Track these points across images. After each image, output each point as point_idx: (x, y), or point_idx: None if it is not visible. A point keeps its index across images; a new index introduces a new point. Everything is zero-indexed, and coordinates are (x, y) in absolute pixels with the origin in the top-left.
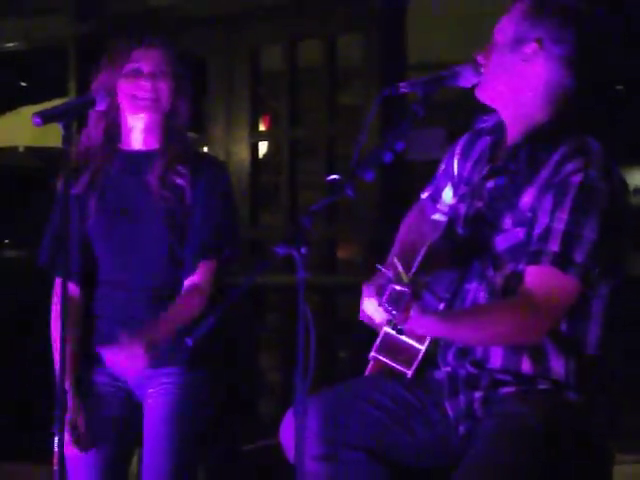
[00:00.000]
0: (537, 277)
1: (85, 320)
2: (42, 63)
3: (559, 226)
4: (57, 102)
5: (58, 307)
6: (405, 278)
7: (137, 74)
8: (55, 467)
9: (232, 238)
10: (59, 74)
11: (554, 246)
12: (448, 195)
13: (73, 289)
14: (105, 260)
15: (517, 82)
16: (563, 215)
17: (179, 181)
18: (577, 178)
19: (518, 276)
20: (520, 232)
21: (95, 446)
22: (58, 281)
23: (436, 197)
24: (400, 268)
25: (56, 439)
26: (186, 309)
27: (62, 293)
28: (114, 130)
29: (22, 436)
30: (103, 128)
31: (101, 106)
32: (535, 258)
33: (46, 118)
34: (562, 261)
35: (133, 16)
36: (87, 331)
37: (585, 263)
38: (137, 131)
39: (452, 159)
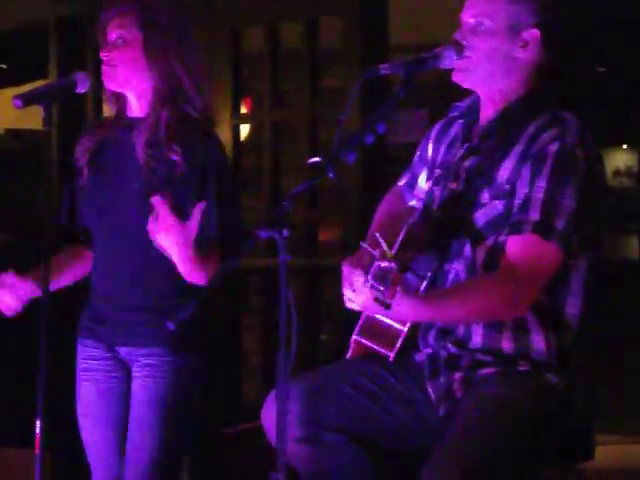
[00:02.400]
0: (519, 246)
1: (82, 295)
2: (23, 45)
3: (538, 195)
4: (38, 84)
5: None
6: (389, 254)
7: (104, 45)
8: (37, 451)
9: (236, 227)
10: (40, 56)
11: (534, 214)
12: (423, 180)
13: (86, 252)
14: (92, 227)
15: (507, 66)
16: (542, 184)
17: (172, 156)
18: (554, 147)
19: (499, 248)
20: (499, 204)
21: (101, 420)
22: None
23: (412, 184)
24: (383, 245)
25: (38, 423)
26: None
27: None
28: (122, 99)
29: (4, 420)
30: (113, 100)
31: (81, 89)
32: (516, 228)
33: (26, 100)
34: (543, 228)
35: None
36: (81, 306)
37: (566, 230)
38: (131, 99)
39: (427, 145)
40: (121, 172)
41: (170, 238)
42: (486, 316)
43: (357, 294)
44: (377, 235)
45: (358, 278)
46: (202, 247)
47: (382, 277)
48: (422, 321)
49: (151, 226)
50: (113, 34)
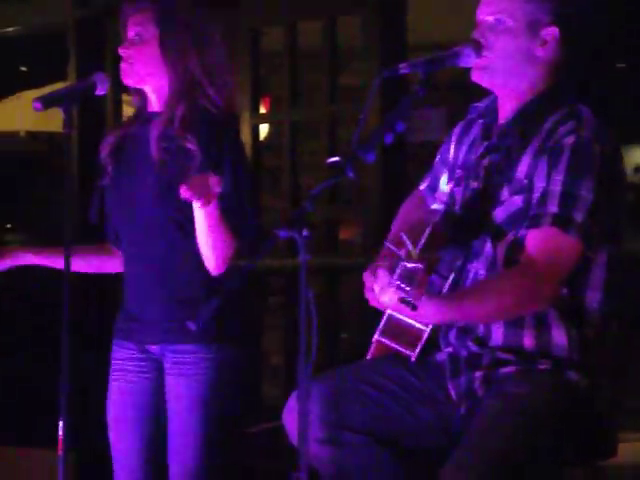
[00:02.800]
0: (538, 240)
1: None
2: (42, 47)
3: (556, 188)
4: (58, 86)
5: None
6: (415, 255)
7: (122, 41)
8: (60, 453)
9: (251, 213)
10: (59, 58)
11: (553, 207)
12: (444, 182)
13: (117, 252)
14: (117, 224)
15: (526, 65)
16: (559, 177)
17: (188, 146)
18: (570, 140)
19: (519, 243)
20: (518, 199)
21: (131, 421)
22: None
23: (434, 187)
24: (409, 245)
25: (61, 424)
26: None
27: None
28: (145, 95)
29: (28, 421)
30: (138, 96)
31: (101, 90)
32: (535, 221)
33: (46, 103)
34: (562, 221)
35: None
36: (117, 307)
37: (585, 222)
38: (149, 94)
39: (448, 146)
40: (139, 167)
41: (196, 190)
42: (508, 312)
43: (382, 293)
44: (403, 235)
45: (383, 278)
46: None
47: (408, 277)
48: (452, 322)
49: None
50: (131, 31)
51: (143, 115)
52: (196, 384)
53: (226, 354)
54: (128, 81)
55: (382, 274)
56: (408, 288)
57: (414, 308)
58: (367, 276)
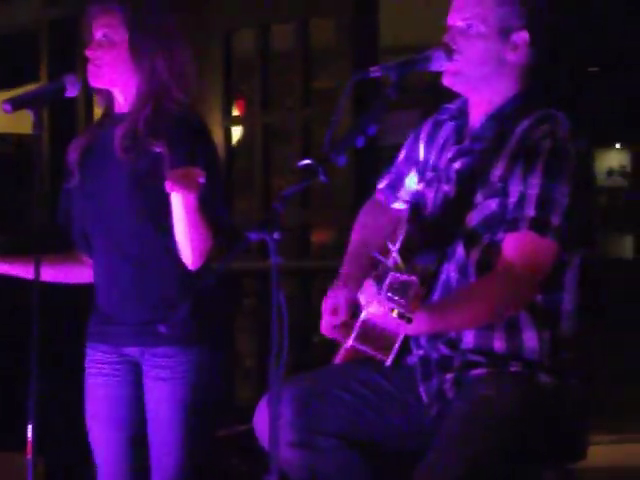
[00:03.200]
0: (516, 243)
1: (88, 295)
2: (13, 48)
3: (533, 191)
4: (29, 87)
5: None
6: (402, 266)
7: (87, 44)
8: (28, 456)
9: (224, 211)
10: (31, 59)
11: (530, 211)
12: (412, 181)
13: (82, 257)
14: (88, 225)
15: (498, 69)
16: (535, 180)
17: (157, 149)
18: (546, 143)
19: (495, 247)
20: (492, 203)
21: (110, 424)
22: None
23: (397, 185)
24: (396, 254)
25: (30, 428)
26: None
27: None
28: (111, 96)
29: None
30: (103, 97)
31: (71, 92)
32: (513, 225)
33: (16, 104)
34: (539, 225)
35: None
36: (89, 307)
37: (561, 225)
38: (117, 95)
39: (417, 144)
40: (108, 168)
41: (181, 181)
42: (494, 316)
43: (369, 304)
44: (389, 244)
45: (371, 287)
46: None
47: (400, 289)
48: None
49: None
50: (99, 32)
51: (110, 116)
52: (174, 387)
53: (203, 356)
54: (95, 83)
55: (370, 284)
56: (402, 301)
57: (409, 321)
58: (326, 311)
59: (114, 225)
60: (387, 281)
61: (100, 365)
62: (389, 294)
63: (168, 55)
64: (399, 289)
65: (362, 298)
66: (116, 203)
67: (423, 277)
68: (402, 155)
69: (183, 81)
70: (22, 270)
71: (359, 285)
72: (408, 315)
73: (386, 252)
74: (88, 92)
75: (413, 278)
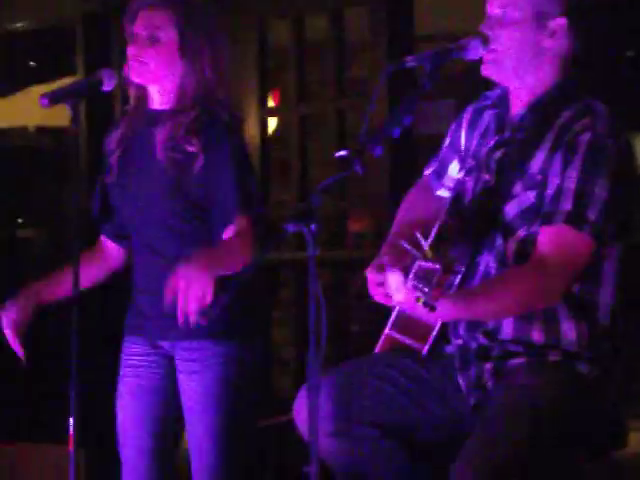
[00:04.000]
0: (551, 237)
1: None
2: (50, 42)
3: (571, 185)
4: (66, 80)
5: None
6: (430, 254)
7: (133, 38)
8: (70, 449)
9: (258, 198)
10: (68, 53)
11: (567, 205)
12: (455, 169)
13: (111, 246)
14: (126, 225)
15: (536, 57)
16: (574, 173)
17: (191, 149)
18: (585, 136)
19: (531, 239)
20: (531, 195)
21: (139, 415)
22: (101, 242)
23: (441, 172)
24: (425, 245)
25: (71, 421)
26: (234, 246)
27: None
28: (144, 90)
29: (39, 416)
30: (135, 92)
31: (108, 86)
32: (549, 218)
33: (53, 99)
34: (576, 219)
35: None
36: (127, 303)
37: (598, 221)
38: (153, 92)
39: (459, 132)
40: (146, 165)
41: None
42: (521, 308)
43: (396, 292)
44: (417, 234)
45: (398, 277)
46: (229, 214)
47: (425, 277)
48: (458, 319)
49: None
50: (146, 30)
51: (145, 112)
52: (207, 381)
53: (235, 350)
54: (138, 79)
55: (397, 273)
56: (426, 289)
57: (433, 309)
58: (371, 272)
59: (148, 222)
60: (413, 270)
61: (136, 357)
62: (414, 282)
63: (214, 56)
64: (423, 277)
65: (391, 286)
66: (155, 200)
67: (447, 265)
68: (447, 142)
69: (225, 81)
70: (62, 287)
71: (401, 257)
72: (431, 303)
73: (415, 241)
74: (124, 86)
75: (437, 266)
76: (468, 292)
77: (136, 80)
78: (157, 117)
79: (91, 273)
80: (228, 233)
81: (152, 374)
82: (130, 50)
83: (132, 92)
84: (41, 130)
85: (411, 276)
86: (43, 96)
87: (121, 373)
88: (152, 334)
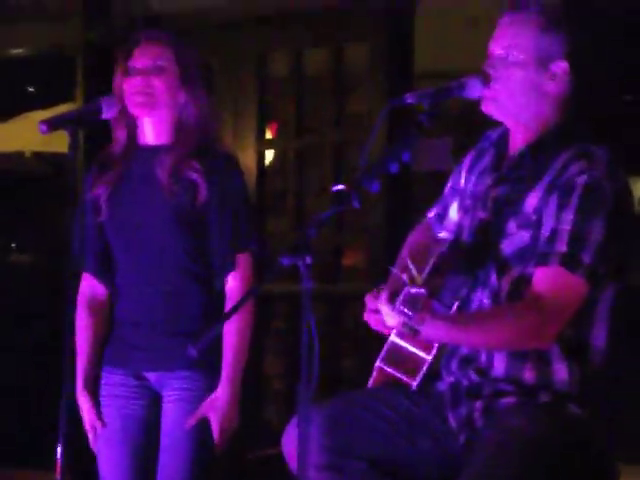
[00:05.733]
0: (545, 278)
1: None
2: (50, 69)
3: (566, 227)
4: (65, 107)
5: (83, 307)
6: (419, 280)
7: (132, 71)
8: (58, 477)
9: (255, 233)
10: (66, 80)
11: (562, 247)
12: (454, 211)
13: (101, 291)
14: (118, 257)
15: (537, 99)
16: (569, 216)
17: (193, 176)
18: (582, 179)
19: (526, 279)
20: (525, 235)
21: (121, 446)
22: (85, 279)
23: (443, 215)
24: (413, 271)
25: (59, 449)
26: (242, 329)
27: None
28: (134, 127)
29: (27, 442)
30: (125, 127)
31: (108, 114)
32: (543, 260)
33: (52, 125)
34: (570, 261)
35: (139, 23)
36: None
37: (592, 263)
38: (148, 126)
39: (460, 174)
40: (145, 202)
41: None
42: (509, 344)
43: (386, 317)
44: (408, 261)
45: (386, 303)
46: (232, 249)
47: (411, 302)
48: (445, 343)
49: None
50: (149, 61)
51: (137, 148)
52: (194, 410)
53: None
54: (147, 112)
55: (385, 299)
56: (410, 313)
57: (416, 333)
58: (369, 299)
59: (149, 259)
60: (401, 295)
61: (118, 388)
62: (401, 307)
63: (206, 89)
64: (410, 302)
65: (383, 311)
66: (158, 232)
67: (433, 289)
68: (448, 185)
69: (215, 115)
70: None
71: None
72: (415, 327)
73: (405, 269)
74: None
75: (422, 290)
76: (461, 317)
77: (146, 114)
78: (155, 151)
79: (101, 329)
80: (233, 278)
81: (134, 404)
82: (133, 82)
83: (121, 131)
84: (38, 155)
85: (399, 301)
86: (43, 122)
87: (103, 403)
88: (138, 365)
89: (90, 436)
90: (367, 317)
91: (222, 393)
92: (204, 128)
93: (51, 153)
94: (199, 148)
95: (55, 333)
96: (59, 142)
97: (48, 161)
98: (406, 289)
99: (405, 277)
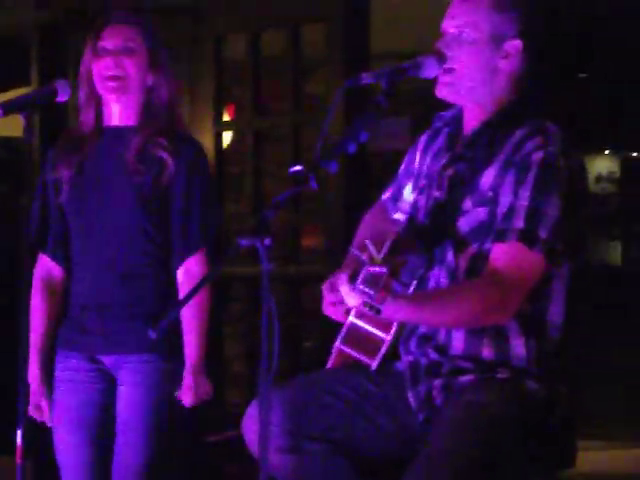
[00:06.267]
0: (503, 254)
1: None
2: (4, 52)
3: (523, 203)
4: (21, 91)
5: (38, 288)
6: (378, 260)
7: (102, 52)
8: (18, 461)
9: (217, 223)
10: (22, 63)
11: (519, 223)
12: (409, 192)
13: (57, 273)
14: (76, 239)
15: (491, 77)
16: (526, 192)
17: (161, 153)
18: (538, 155)
19: (483, 256)
20: (482, 212)
21: (78, 431)
22: (41, 260)
23: (398, 196)
24: (372, 250)
25: (19, 432)
26: (202, 311)
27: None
28: (101, 108)
29: None
30: (93, 109)
31: (62, 97)
32: (501, 236)
33: (7, 109)
34: (528, 237)
35: (94, 4)
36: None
37: (549, 239)
38: (115, 108)
39: (414, 156)
40: (109, 182)
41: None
42: (469, 321)
43: (347, 298)
44: (366, 241)
45: (345, 282)
46: (190, 244)
47: (372, 281)
48: (406, 322)
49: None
50: (119, 42)
51: (103, 130)
52: (150, 392)
53: (179, 366)
54: (122, 97)
55: (345, 279)
56: (372, 292)
57: (378, 312)
58: (326, 290)
59: (110, 240)
60: (361, 275)
61: (73, 372)
62: (361, 287)
63: (172, 70)
64: (370, 281)
65: (343, 292)
66: (121, 213)
67: (394, 268)
68: (402, 167)
69: (180, 97)
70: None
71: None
72: (377, 306)
73: (364, 249)
74: (76, 105)
75: (383, 269)
76: (420, 296)
77: (120, 99)
78: (122, 133)
79: (56, 310)
80: (185, 270)
81: (90, 387)
82: (103, 62)
83: (90, 112)
84: None
85: (359, 281)
86: None
87: (57, 385)
88: (93, 349)
89: (36, 416)
90: (326, 310)
91: (189, 380)
92: (172, 111)
93: (7, 137)
94: (166, 131)
95: (11, 315)
96: (13, 126)
97: (2, 145)
98: (366, 268)
99: (365, 257)
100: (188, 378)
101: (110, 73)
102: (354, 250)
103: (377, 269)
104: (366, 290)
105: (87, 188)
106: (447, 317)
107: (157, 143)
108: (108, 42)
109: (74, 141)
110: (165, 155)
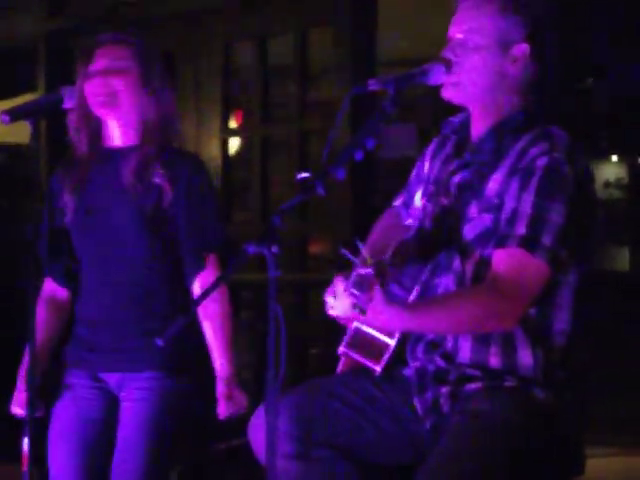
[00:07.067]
0: (504, 260)
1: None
2: (12, 59)
3: (526, 209)
4: (27, 97)
5: (42, 303)
6: (370, 261)
7: (92, 74)
8: (24, 469)
9: (224, 232)
10: (29, 70)
11: (521, 229)
12: (418, 198)
13: (61, 293)
14: (83, 260)
15: (498, 82)
16: (529, 197)
17: (157, 181)
18: (542, 161)
19: (487, 262)
20: (487, 218)
21: (71, 445)
22: (47, 283)
23: (409, 202)
24: (364, 252)
25: (25, 441)
26: (226, 323)
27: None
28: (98, 128)
29: None
30: (86, 129)
31: (69, 104)
32: (502, 242)
33: (14, 115)
34: (529, 243)
35: (102, 12)
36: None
37: (553, 246)
38: (112, 128)
39: (423, 163)
40: (110, 205)
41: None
42: (469, 326)
43: (338, 301)
44: (358, 243)
45: (339, 285)
46: (201, 252)
47: (360, 283)
48: (409, 331)
49: None
50: (110, 62)
51: (101, 150)
52: (152, 408)
53: (184, 384)
54: (110, 112)
55: (337, 282)
56: (358, 293)
57: (363, 313)
58: (327, 295)
59: (115, 261)
60: (352, 278)
61: (76, 389)
62: (351, 289)
63: (169, 89)
64: (359, 283)
65: (337, 294)
66: (122, 239)
67: (379, 268)
68: (413, 173)
69: (178, 115)
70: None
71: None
72: (362, 307)
73: (357, 250)
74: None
75: (369, 270)
76: (419, 303)
77: (107, 114)
78: (120, 154)
79: (58, 323)
80: (203, 280)
81: (91, 404)
82: (92, 83)
83: (83, 134)
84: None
85: (349, 283)
86: (4, 112)
87: (60, 401)
88: (97, 367)
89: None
90: (332, 315)
91: (221, 392)
92: (168, 128)
93: (12, 144)
94: (163, 148)
95: (16, 325)
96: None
97: (7, 151)
98: (356, 271)
99: (358, 260)
100: (220, 390)
101: (98, 91)
102: (346, 253)
103: (364, 270)
104: (353, 292)
105: (90, 210)
106: (446, 324)
107: (153, 169)
108: (98, 64)
109: (75, 164)
110: (161, 181)
